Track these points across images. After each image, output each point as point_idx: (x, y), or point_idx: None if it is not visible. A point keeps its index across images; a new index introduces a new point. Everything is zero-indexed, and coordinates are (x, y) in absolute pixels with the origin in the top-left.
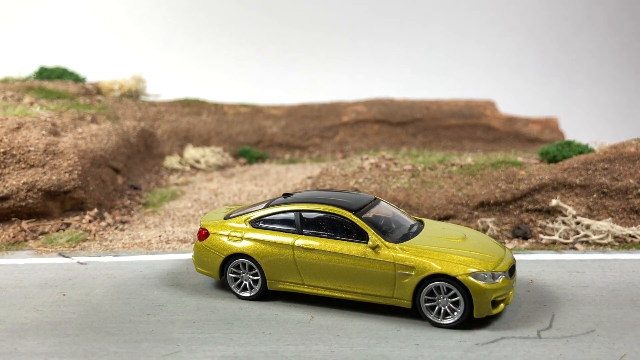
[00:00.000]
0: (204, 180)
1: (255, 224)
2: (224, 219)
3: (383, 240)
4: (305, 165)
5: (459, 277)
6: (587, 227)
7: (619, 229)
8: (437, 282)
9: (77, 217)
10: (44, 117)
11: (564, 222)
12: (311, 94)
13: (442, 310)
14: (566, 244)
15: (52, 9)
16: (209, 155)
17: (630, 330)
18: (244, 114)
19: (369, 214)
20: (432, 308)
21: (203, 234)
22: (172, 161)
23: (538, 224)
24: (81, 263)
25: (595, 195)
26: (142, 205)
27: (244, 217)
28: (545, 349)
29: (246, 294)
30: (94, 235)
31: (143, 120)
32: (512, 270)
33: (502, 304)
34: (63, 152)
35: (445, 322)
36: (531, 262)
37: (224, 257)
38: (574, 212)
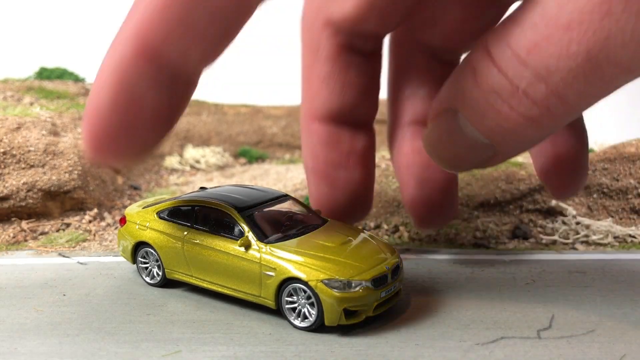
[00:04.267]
0: (204, 180)
1: (160, 215)
2: (142, 208)
3: (256, 240)
4: None
5: (310, 283)
6: (587, 227)
7: (619, 229)
8: (295, 285)
9: (77, 217)
10: (44, 117)
11: (564, 222)
12: None
13: (301, 313)
14: (566, 244)
15: (53, 9)
16: (209, 155)
17: (630, 330)
18: (244, 114)
19: (261, 212)
20: (294, 310)
21: (122, 222)
22: (172, 161)
23: (538, 224)
24: (81, 263)
25: (595, 195)
26: None
27: (153, 208)
28: (545, 349)
29: (151, 280)
30: (94, 235)
31: None
32: (380, 280)
33: (362, 314)
34: (63, 152)
35: (302, 325)
36: (531, 262)
37: (133, 244)
38: (574, 212)
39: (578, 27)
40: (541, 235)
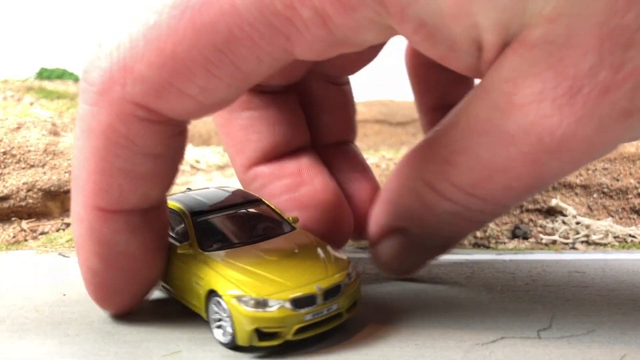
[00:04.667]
0: (204, 180)
1: None
2: None
3: (194, 247)
4: None
5: (224, 297)
6: (587, 227)
7: (619, 229)
8: (217, 298)
9: None
10: (44, 117)
11: (564, 222)
12: None
13: (223, 328)
14: (566, 244)
15: (53, 9)
16: (209, 155)
17: (630, 330)
18: None
19: (221, 218)
20: (219, 322)
21: None
22: None
23: (538, 224)
24: None
25: (595, 195)
26: None
27: None
28: (545, 349)
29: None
30: None
31: None
32: (304, 301)
33: (280, 337)
34: (63, 152)
35: (222, 340)
36: (531, 262)
37: None
38: (574, 212)
39: (513, 169)
40: (541, 235)
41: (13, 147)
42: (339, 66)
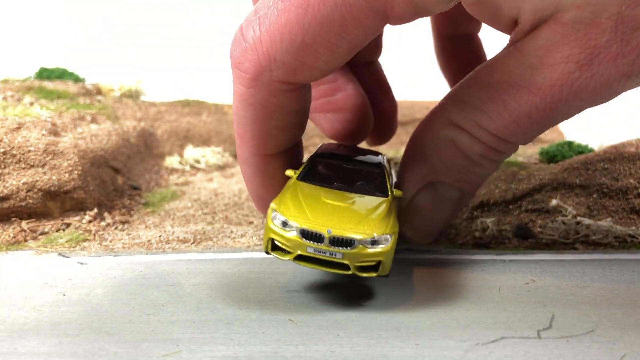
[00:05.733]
0: (204, 180)
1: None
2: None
3: (295, 174)
4: None
5: (269, 208)
6: (587, 227)
7: (619, 229)
8: None
9: (77, 217)
10: (44, 117)
11: (563, 222)
12: None
13: None
14: (566, 244)
15: (53, 9)
16: (209, 155)
17: (630, 330)
18: None
19: (333, 163)
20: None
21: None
22: (172, 161)
23: (538, 224)
24: (81, 263)
25: (595, 195)
26: (142, 205)
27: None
28: (545, 349)
29: None
30: (94, 235)
31: (143, 120)
32: (311, 235)
33: (286, 255)
34: (63, 152)
35: None
36: (531, 262)
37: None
38: (574, 212)
39: (535, 115)
40: (541, 235)
41: (13, 147)
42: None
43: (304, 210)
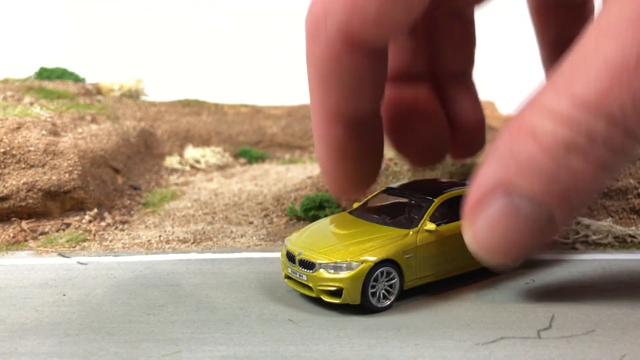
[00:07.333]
0: (204, 180)
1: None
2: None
3: (350, 207)
4: (305, 165)
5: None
6: (587, 227)
7: (619, 229)
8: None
9: (77, 217)
10: (44, 117)
11: None
12: None
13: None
14: (566, 244)
15: (53, 9)
16: (209, 155)
17: (630, 330)
18: (244, 114)
19: (391, 197)
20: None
21: None
22: (172, 161)
23: None
24: (81, 263)
25: (595, 195)
26: (142, 205)
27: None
28: (545, 349)
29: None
30: (94, 235)
31: (143, 120)
32: (289, 256)
33: (284, 271)
34: (63, 152)
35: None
36: (532, 262)
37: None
38: None
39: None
40: None
41: (13, 147)
42: None
43: (302, 234)
